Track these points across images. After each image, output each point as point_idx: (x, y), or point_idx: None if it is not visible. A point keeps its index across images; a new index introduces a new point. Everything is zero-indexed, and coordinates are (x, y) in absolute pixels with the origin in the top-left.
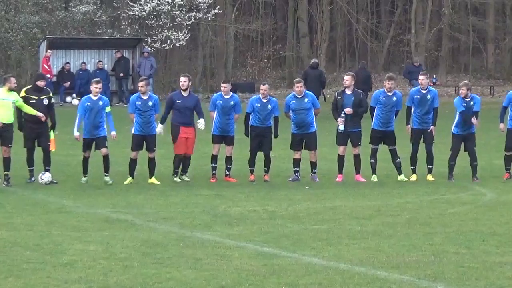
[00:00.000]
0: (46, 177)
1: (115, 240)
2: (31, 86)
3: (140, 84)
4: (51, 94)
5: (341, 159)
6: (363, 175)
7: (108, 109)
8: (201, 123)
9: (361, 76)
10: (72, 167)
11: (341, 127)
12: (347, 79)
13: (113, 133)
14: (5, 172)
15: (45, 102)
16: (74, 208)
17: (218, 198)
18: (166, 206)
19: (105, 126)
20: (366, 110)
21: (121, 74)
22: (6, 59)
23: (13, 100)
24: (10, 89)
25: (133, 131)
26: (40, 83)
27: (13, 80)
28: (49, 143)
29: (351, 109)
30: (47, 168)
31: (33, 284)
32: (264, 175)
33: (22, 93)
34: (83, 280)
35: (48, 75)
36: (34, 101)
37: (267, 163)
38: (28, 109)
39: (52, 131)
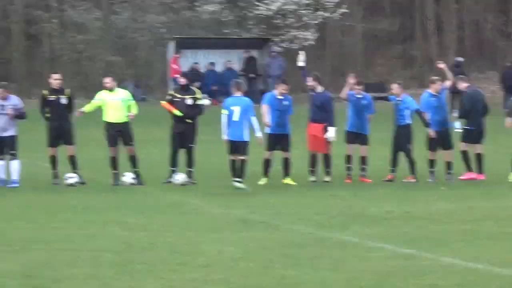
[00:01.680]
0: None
1: (253, 241)
2: (178, 86)
3: (284, 87)
4: (196, 95)
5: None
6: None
7: None
8: (330, 133)
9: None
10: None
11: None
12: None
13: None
14: (135, 169)
15: (189, 102)
16: (210, 209)
17: (354, 199)
18: (303, 206)
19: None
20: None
21: (252, 75)
22: (135, 59)
23: (120, 98)
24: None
25: (267, 131)
26: (182, 81)
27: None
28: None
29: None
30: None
31: (173, 285)
32: (408, 177)
33: (170, 92)
34: (223, 281)
35: (178, 75)
36: (178, 100)
37: (411, 164)
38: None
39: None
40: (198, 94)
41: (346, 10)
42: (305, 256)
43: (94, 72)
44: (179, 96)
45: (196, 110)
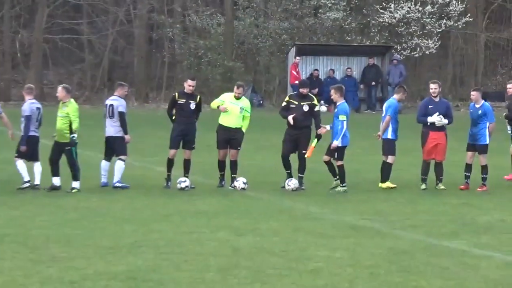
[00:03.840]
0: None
1: (361, 247)
2: (295, 92)
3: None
4: (314, 102)
5: None
6: None
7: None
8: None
9: None
10: (319, 173)
11: None
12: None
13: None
14: (233, 175)
15: (305, 108)
16: (321, 215)
17: (466, 207)
18: (413, 214)
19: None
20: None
21: (373, 83)
22: (255, 65)
23: (241, 106)
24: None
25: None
26: (303, 91)
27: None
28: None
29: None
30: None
31: None
32: None
33: (287, 98)
34: (328, 287)
35: (296, 82)
36: (294, 106)
37: None
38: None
39: (316, 140)
40: (315, 101)
41: (470, 19)
42: (413, 263)
43: (214, 77)
44: (295, 102)
45: (310, 116)
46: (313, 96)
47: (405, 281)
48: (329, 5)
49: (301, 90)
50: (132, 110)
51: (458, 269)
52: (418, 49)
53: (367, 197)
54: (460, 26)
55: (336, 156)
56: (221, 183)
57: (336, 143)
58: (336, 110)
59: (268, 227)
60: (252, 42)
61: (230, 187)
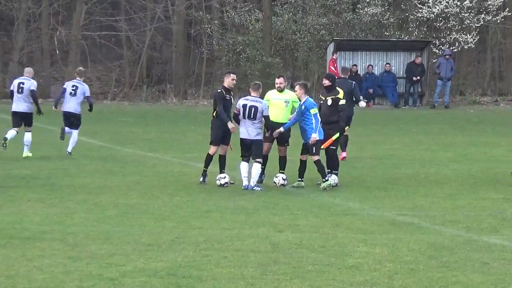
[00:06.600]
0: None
1: (401, 243)
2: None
3: None
4: (339, 95)
5: None
6: None
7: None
8: None
9: None
10: (359, 169)
11: None
12: None
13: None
14: (281, 171)
15: (329, 102)
16: (360, 211)
17: (506, 202)
18: (453, 209)
19: None
20: None
21: (418, 77)
22: (293, 60)
23: (286, 99)
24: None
25: None
26: (323, 82)
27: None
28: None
29: None
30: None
31: (318, 286)
32: None
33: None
34: (368, 283)
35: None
36: (322, 101)
37: None
38: None
39: (338, 134)
40: (340, 94)
41: (509, 13)
42: (452, 258)
43: (252, 73)
44: (323, 97)
45: (335, 110)
46: (339, 90)
47: (445, 277)
48: (367, 0)
49: (324, 82)
50: (170, 106)
51: (499, 264)
52: (457, 44)
53: (406, 193)
54: (498, 21)
55: (314, 151)
56: (260, 177)
57: (315, 136)
58: (303, 106)
59: (307, 223)
60: (290, 38)
61: (273, 183)
